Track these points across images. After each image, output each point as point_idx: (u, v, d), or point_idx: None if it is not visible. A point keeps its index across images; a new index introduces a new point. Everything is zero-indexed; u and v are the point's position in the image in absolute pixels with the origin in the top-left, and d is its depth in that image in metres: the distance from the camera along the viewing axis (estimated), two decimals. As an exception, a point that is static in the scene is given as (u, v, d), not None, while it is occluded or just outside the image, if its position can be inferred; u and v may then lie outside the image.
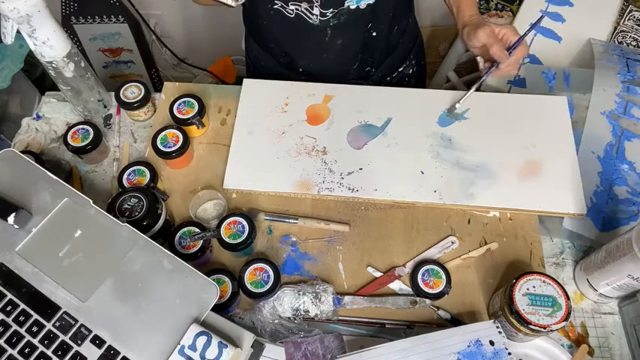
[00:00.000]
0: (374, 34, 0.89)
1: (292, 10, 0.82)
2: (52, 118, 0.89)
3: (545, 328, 0.59)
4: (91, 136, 0.79)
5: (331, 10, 0.81)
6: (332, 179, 0.77)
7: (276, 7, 0.82)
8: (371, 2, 0.81)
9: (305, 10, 0.81)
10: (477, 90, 0.83)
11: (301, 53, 0.92)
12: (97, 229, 0.63)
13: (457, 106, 0.82)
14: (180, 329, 0.57)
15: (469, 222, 0.76)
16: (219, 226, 0.69)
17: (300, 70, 0.95)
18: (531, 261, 0.72)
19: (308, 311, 0.67)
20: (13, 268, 0.61)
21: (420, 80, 1.10)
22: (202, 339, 0.56)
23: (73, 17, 1.47)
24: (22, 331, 0.58)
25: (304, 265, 0.73)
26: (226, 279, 0.66)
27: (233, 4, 0.66)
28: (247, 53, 1.07)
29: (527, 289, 0.61)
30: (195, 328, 0.56)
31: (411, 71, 1.04)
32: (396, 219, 0.76)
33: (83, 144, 0.79)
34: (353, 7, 0.81)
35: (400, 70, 1.02)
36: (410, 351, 0.59)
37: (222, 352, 0.55)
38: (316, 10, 0.81)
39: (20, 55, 1.27)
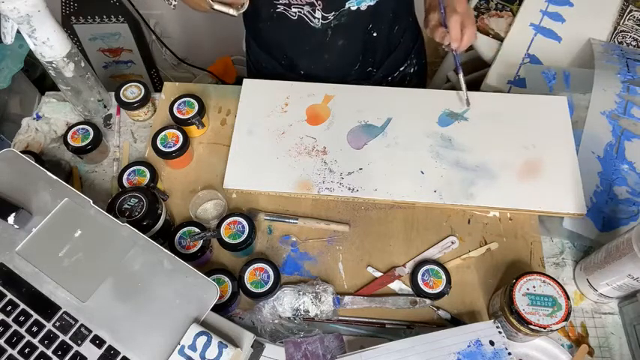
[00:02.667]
0: (375, 34, 0.89)
1: (295, 13, 0.82)
2: (52, 118, 0.89)
3: (545, 328, 0.59)
4: (91, 136, 0.79)
5: (333, 13, 0.81)
6: (332, 179, 0.77)
7: (279, 10, 0.82)
8: (371, 4, 0.81)
9: (307, 13, 0.81)
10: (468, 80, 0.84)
11: (302, 55, 0.92)
12: (97, 229, 0.63)
13: (464, 96, 0.83)
14: (180, 329, 0.57)
15: (469, 222, 0.76)
16: (219, 226, 0.69)
17: (302, 72, 0.95)
18: (531, 261, 0.72)
19: (308, 311, 0.67)
20: (13, 268, 0.61)
21: (421, 79, 1.10)
22: (202, 339, 0.56)
23: (73, 17, 1.47)
24: (22, 331, 0.58)
25: (304, 265, 0.73)
26: (226, 279, 0.66)
27: (235, 13, 0.65)
28: (248, 56, 1.07)
29: (527, 289, 0.61)
30: (195, 328, 0.56)
31: (412, 70, 1.04)
32: (396, 219, 0.76)
33: (83, 144, 0.79)
34: (354, 8, 0.81)
35: (401, 69, 1.02)
36: (410, 351, 0.59)
37: (222, 352, 0.55)
38: (318, 14, 0.81)
39: (20, 55, 1.27)
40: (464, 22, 0.78)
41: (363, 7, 0.81)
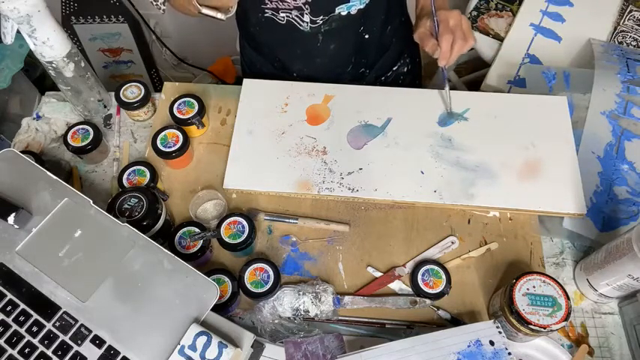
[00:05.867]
0: (366, 36, 0.89)
1: (283, 18, 0.82)
2: (52, 118, 0.88)
3: (545, 328, 0.59)
4: (91, 136, 0.79)
5: (321, 17, 0.81)
6: (332, 179, 0.77)
7: (267, 14, 0.82)
8: (361, 7, 0.81)
9: (295, 17, 0.81)
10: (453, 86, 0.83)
11: (294, 59, 0.92)
12: (97, 229, 0.63)
13: (451, 107, 0.82)
14: (180, 329, 0.57)
15: (469, 222, 0.76)
16: (219, 226, 0.70)
17: (295, 74, 0.95)
18: (531, 261, 0.72)
19: (308, 311, 0.67)
20: (13, 268, 0.61)
21: (415, 78, 1.09)
22: (202, 339, 0.56)
23: (73, 17, 1.47)
24: (22, 331, 0.58)
25: (304, 265, 0.73)
26: (226, 279, 0.66)
27: (223, 17, 0.65)
28: (242, 57, 1.07)
29: (527, 289, 0.61)
30: (195, 328, 0.56)
31: (405, 69, 1.04)
32: (396, 219, 0.76)
33: (83, 144, 0.79)
34: (344, 13, 0.81)
35: (395, 69, 1.02)
36: (410, 351, 0.59)
37: (222, 352, 0.55)
38: (306, 18, 0.80)
39: (20, 55, 1.27)
40: (455, 36, 0.76)
41: (354, 11, 0.81)
